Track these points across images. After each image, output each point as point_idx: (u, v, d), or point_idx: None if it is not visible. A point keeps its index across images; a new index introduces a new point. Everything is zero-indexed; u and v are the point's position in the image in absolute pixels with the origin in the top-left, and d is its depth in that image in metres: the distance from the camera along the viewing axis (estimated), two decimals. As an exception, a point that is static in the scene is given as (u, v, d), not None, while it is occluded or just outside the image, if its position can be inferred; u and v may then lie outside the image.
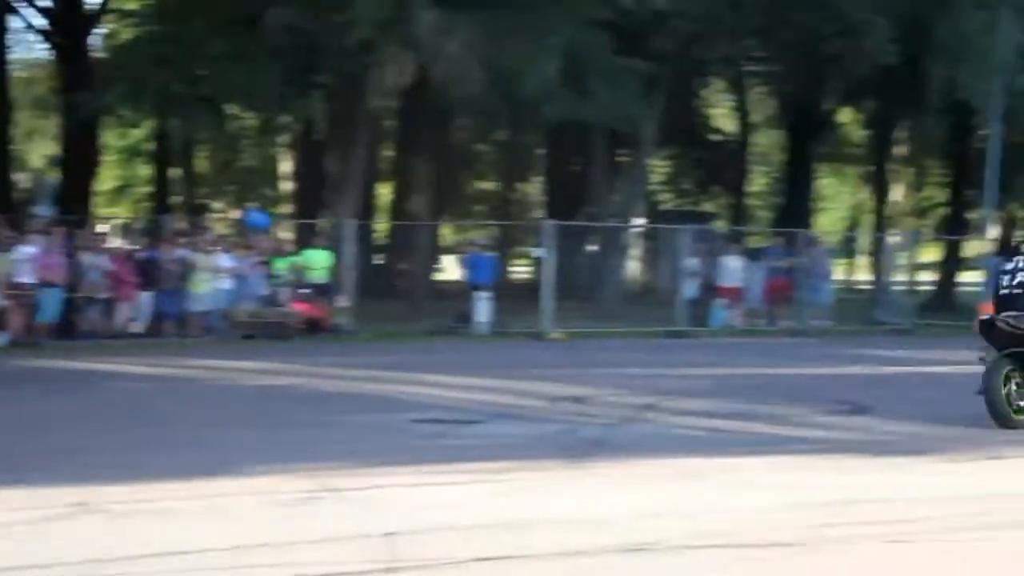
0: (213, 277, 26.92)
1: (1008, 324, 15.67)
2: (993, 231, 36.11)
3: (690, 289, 31.83)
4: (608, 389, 18.46)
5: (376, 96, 31.85)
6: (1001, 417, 15.39)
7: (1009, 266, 16.30)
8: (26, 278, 24.88)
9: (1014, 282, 15.95)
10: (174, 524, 9.28)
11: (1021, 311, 15.77)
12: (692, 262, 32.36)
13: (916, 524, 9.47)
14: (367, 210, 38.78)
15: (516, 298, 31.06)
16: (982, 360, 15.87)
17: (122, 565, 8.12)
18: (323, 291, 28.28)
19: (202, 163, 53.73)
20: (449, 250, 48.40)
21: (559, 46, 31.13)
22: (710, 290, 32.54)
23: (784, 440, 13.95)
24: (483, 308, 29.31)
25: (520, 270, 48.17)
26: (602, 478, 11.34)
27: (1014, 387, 15.55)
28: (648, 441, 13.69)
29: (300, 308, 27.57)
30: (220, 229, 34.58)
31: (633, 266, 42.60)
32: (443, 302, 32.94)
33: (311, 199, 39.04)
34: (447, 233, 51.80)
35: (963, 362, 20.88)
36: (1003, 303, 15.92)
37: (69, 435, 13.76)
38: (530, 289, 31.63)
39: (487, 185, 59.21)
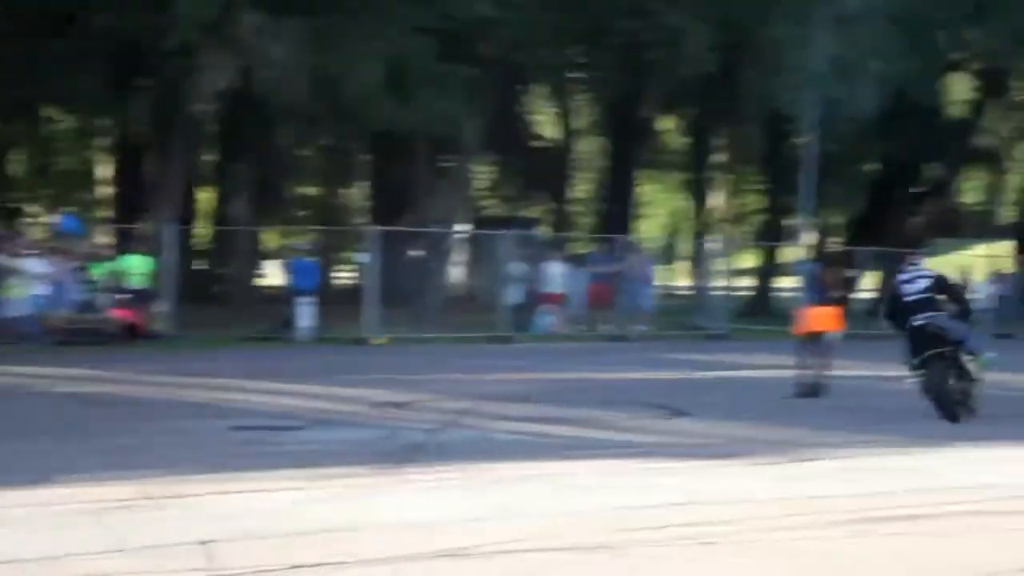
0: (27, 282, 26.40)
1: (936, 327, 17.13)
2: (808, 238, 36.86)
3: (513, 295, 32.02)
4: (429, 394, 18.51)
5: (198, 100, 31.49)
6: (952, 414, 16.72)
7: (905, 276, 17.79)
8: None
9: (918, 288, 17.47)
10: None
11: (931, 314, 17.22)
12: (515, 268, 32.54)
13: (728, 526, 9.64)
14: (188, 215, 38.33)
15: (340, 304, 30.92)
16: (911, 365, 17.15)
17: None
18: (142, 297, 27.90)
19: (17, 166, 52.59)
20: (272, 255, 48.03)
21: (383, 52, 31.08)
22: (533, 296, 32.75)
23: (603, 444, 14.10)
24: (306, 313, 29.17)
25: (344, 276, 47.97)
26: (421, 483, 11.37)
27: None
28: (468, 446, 13.75)
29: (118, 314, 27.17)
30: (35, 234, 33.88)
31: (457, 272, 42.72)
32: (266, 308, 32.70)
33: (131, 204, 38.49)
34: (270, 238, 51.40)
35: (779, 366, 21.41)
36: (912, 309, 17.29)
37: None
38: (354, 295, 31.51)
39: (310, 190, 58.83)
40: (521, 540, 9.07)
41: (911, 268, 18.03)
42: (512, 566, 8.44)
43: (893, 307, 17.85)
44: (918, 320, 17.22)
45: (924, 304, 17.39)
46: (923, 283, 17.58)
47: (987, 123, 52.05)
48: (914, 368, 17.20)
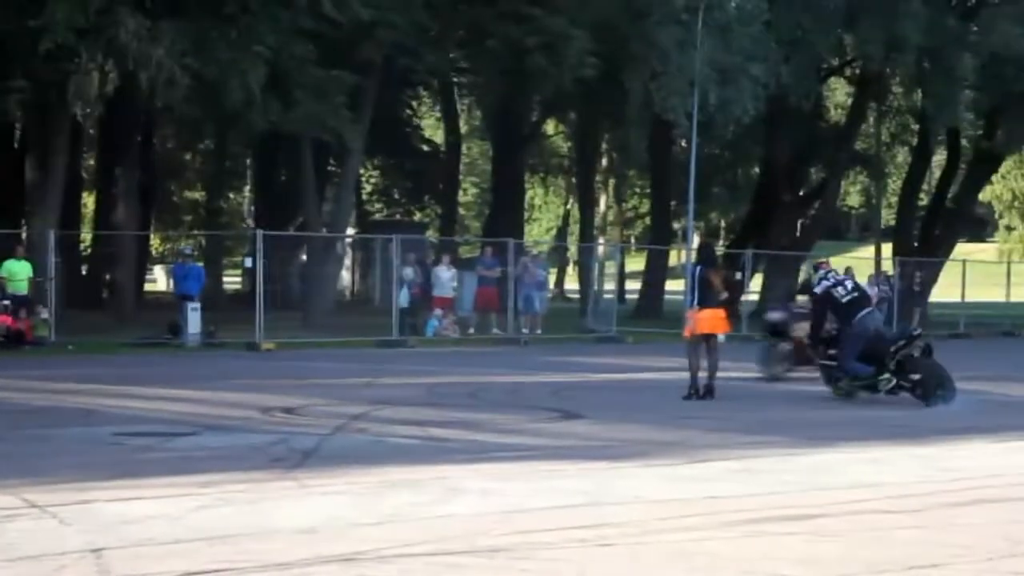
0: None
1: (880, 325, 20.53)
2: (695, 240, 37.16)
3: (403, 298, 31.94)
4: (320, 399, 18.41)
5: (76, 103, 31.08)
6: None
7: (831, 281, 19.78)
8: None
9: (850, 288, 19.64)
10: None
11: (869, 312, 19.64)
12: (406, 271, 32.47)
13: (620, 528, 9.66)
14: (72, 219, 37.83)
15: (229, 309, 30.71)
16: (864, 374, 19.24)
17: None
18: (24, 303, 27.46)
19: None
20: (159, 260, 47.59)
21: (263, 55, 30.89)
22: (424, 299, 32.70)
23: (495, 447, 14.09)
24: (192, 319, 28.89)
25: (233, 281, 47.65)
26: (312, 488, 11.27)
27: None
28: (360, 450, 13.67)
29: (1, 320, 26.73)
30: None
31: (346, 276, 42.59)
32: (153, 313, 32.36)
33: (11, 208, 37.91)
34: (157, 243, 50.91)
35: (670, 368, 21.56)
36: (849, 309, 19.32)
37: None
38: (243, 299, 31.28)
39: (196, 195, 58.38)
40: (415, 544, 9.03)
41: (831, 273, 20.16)
42: (407, 569, 8.39)
43: (823, 309, 19.13)
44: (863, 318, 19.25)
45: (858, 304, 19.33)
46: (850, 284, 19.80)
47: (866, 127, 52.84)
48: (873, 376, 19.05)
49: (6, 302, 27.09)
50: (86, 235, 44.59)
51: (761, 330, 23.89)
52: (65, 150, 34.12)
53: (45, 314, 27.92)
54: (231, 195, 57.55)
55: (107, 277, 39.80)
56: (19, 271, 27.85)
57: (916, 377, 18.94)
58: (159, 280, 43.09)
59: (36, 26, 28.52)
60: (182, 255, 32.01)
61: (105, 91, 30.65)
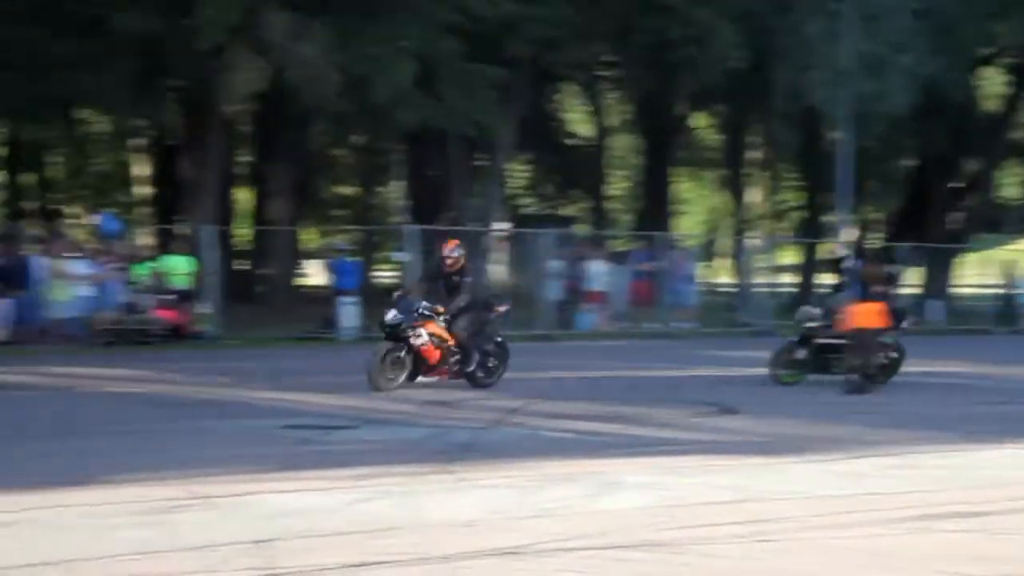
0: (71, 284, 26.49)
1: None
2: (848, 234, 36.71)
3: (554, 293, 31.97)
4: (474, 393, 18.49)
5: (228, 100, 31.58)
6: None
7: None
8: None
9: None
10: (41, 534, 9.15)
11: None
12: (556, 266, 32.49)
13: (779, 523, 9.60)
14: (226, 215, 38.43)
15: (381, 303, 30.91)
16: None
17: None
18: (185, 297, 27.95)
19: (56, 168, 52.86)
20: (311, 255, 48.11)
21: (411, 52, 31.13)
22: (574, 294, 32.70)
23: (652, 441, 14.05)
24: (348, 313, 29.17)
25: (383, 275, 48.04)
26: (471, 482, 11.34)
27: None
28: (516, 444, 13.72)
29: (162, 314, 27.22)
30: (76, 235, 34.01)
31: (496, 270, 42.71)
32: (306, 307, 32.73)
33: (169, 204, 38.62)
34: (309, 238, 51.50)
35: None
36: None
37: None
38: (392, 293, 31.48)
39: (347, 190, 58.93)
40: (574, 538, 9.06)
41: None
42: (566, 564, 8.42)
43: None
44: None
45: None
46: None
47: (1022, 117, 51.77)
48: None
49: (168, 296, 27.58)
50: (240, 230, 45.25)
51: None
52: (219, 147, 34.67)
53: (206, 308, 28.37)
54: (381, 190, 58.02)
55: (261, 272, 40.35)
56: (180, 266, 28.34)
57: None
58: (312, 275, 43.54)
59: (188, 26, 29.02)
60: (338, 250, 32.31)
61: (256, 89, 31.09)
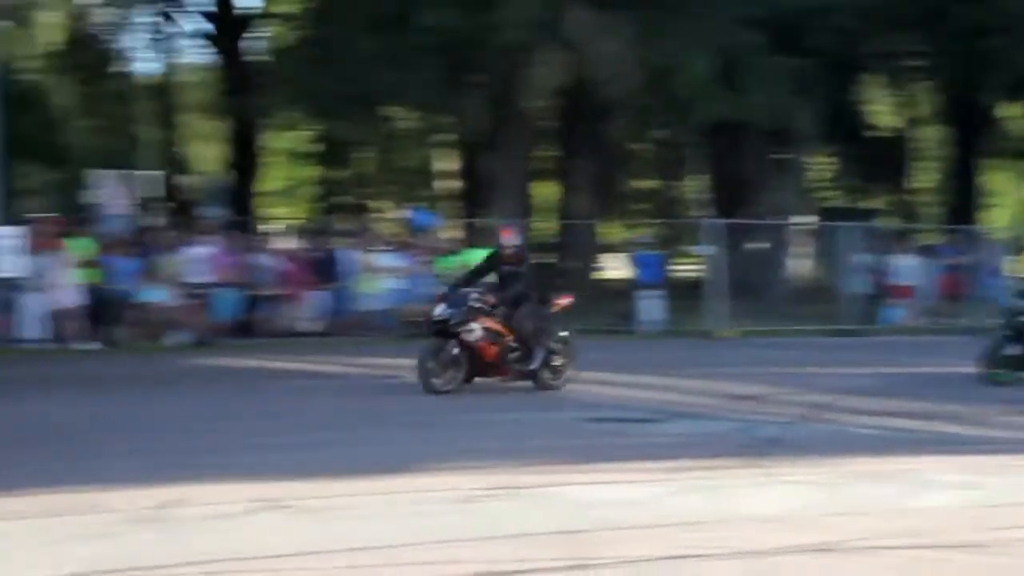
0: (380, 276, 27.15)
1: None
2: None
3: (859, 287, 31.42)
4: (782, 387, 18.25)
5: (530, 96, 31.91)
6: None
7: None
8: (198, 278, 25.40)
9: None
10: (354, 520, 9.41)
11: None
12: (862, 260, 31.90)
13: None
14: (527, 210, 38.88)
15: (680, 297, 30.81)
16: None
17: (304, 560, 8.26)
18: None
19: (365, 164, 54.30)
20: (612, 248, 48.26)
21: (712, 44, 30.95)
22: (880, 288, 32.06)
23: (962, 439, 13.71)
24: (651, 307, 29.16)
25: (682, 269, 47.93)
26: (779, 477, 11.23)
27: None
28: (824, 439, 13.55)
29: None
30: (385, 229, 34.88)
31: (799, 264, 42.20)
32: (606, 301, 32.85)
33: (473, 199, 39.25)
34: (610, 232, 51.69)
35: None
36: None
37: (242, 432, 13.99)
38: (694, 288, 31.36)
39: (647, 183, 59.00)
40: (885, 536, 8.90)
41: None
42: (878, 562, 8.28)
43: None
44: None
45: None
46: None
47: None
48: None
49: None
50: (541, 225, 45.69)
51: None
52: (522, 141, 35.07)
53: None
54: (682, 183, 57.92)
55: (563, 266, 40.68)
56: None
57: None
58: (612, 268, 43.69)
59: (492, 22, 29.42)
60: (640, 244, 32.34)
61: (558, 84, 31.35)
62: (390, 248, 28.10)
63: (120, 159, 39.95)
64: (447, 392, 17.14)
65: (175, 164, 42.53)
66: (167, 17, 41.17)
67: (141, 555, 8.31)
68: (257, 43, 42.65)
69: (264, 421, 15.05)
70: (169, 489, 10.27)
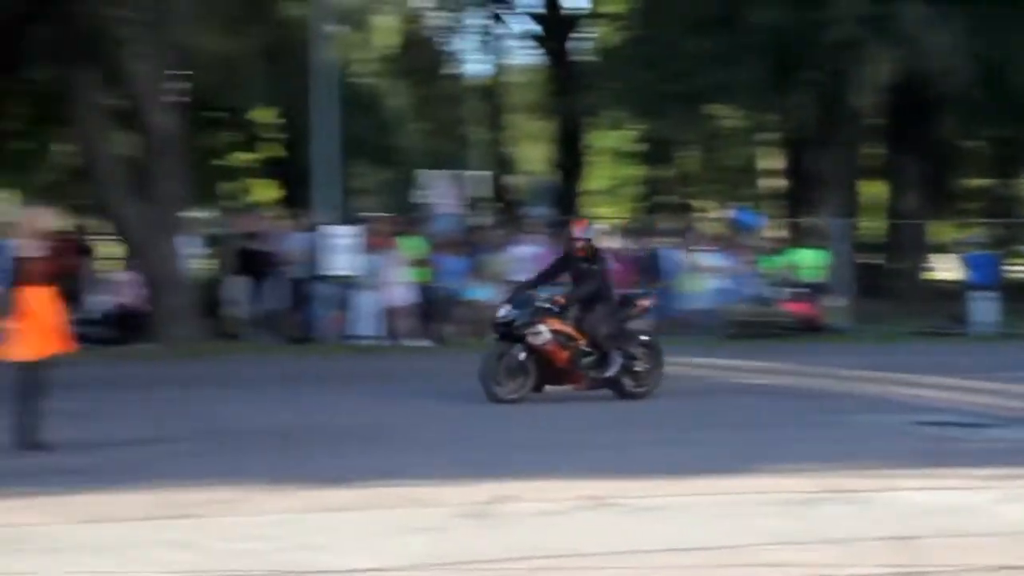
0: (704, 276, 27.08)
1: None
2: None
3: None
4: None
5: (860, 92, 31.35)
6: None
7: None
8: (525, 277, 25.72)
9: None
10: (679, 521, 9.43)
11: None
12: None
13: None
14: (853, 208, 38.23)
15: (1016, 299, 29.80)
16: None
17: (626, 559, 8.32)
18: (816, 290, 27.96)
19: (689, 163, 54.23)
20: (942, 248, 47.01)
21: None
22: None
23: None
24: (984, 308, 28.29)
25: (1018, 269, 46.41)
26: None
27: None
28: None
29: (792, 308, 27.35)
30: (709, 228, 34.78)
31: None
32: (936, 302, 32.04)
33: (798, 198, 38.79)
34: (939, 231, 50.41)
35: None
36: None
37: (575, 431, 14.14)
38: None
39: (979, 182, 57.32)
40: None
41: None
42: None
43: None
44: None
45: None
46: None
47: None
48: None
49: (799, 289, 27.69)
50: (868, 223, 44.89)
51: None
52: (848, 140, 34.51)
53: (839, 302, 28.31)
54: (1017, 181, 56.10)
55: (890, 266, 39.88)
56: (810, 259, 28.39)
57: None
58: (941, 269, 42.58)
59: (819, 19, 29.05)
60: (973, 244, 31.44)
61: (888, 80, 30.74)
62: (714, 247, 27.99)
63: (450, 159, 40.91)
64: (512, 401, 16.00)
65: (503, 164, 43.24)
66: (497, 19, 41.92)
67: (470, 549, 8.50)
68: (584, 43, 43.04)
69: (591, 419, 15.17)
70: (497, 485, 10.46)
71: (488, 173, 39.30)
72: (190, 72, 28.15)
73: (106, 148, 25.26)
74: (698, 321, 26.87)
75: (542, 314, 16.24)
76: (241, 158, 43.81)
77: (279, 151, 41.94)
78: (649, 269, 27.14)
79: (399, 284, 24.73)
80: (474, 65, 47.56)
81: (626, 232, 31.07)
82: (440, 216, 28.32)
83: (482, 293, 25.19)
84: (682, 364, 21.29)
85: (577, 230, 17.05)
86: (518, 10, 42.39)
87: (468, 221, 28.79)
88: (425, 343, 24.61)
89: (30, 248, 12.77)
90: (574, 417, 15.37)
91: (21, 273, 12.61)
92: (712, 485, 10.63)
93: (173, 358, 22.22)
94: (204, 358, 22.29)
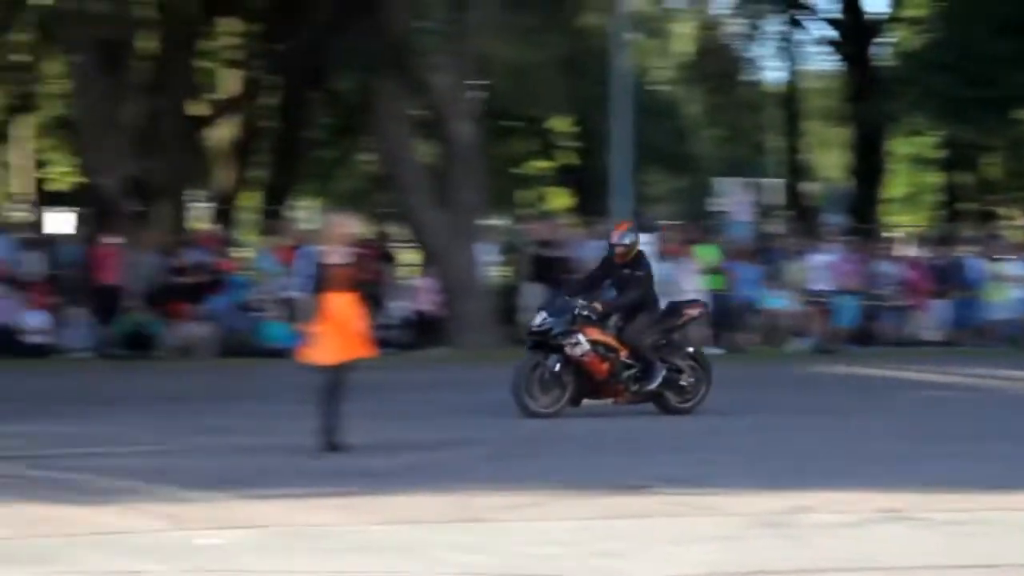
0: (1009, 286, 26.31)
1: None
2: None
3: None
4: None
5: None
6: None
7: None
8: (820, 285, 25.45)
9: None
10: (978, 536, 9.22)
11: None
12: None
13: None
14: None
15: None
16: None
17: (922, 574, 8.15)
18: None
19: (991, 169, 52.73)
20: None
21: None
22: None
23: None
24: None
25: None
26: None
27: None
28: None
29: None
30: (1014, 236, 33.74)
31: None
32: None
33: None
34: None
35: None
36: None
37: (871, 442, 13.89)
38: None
39: None
40: None
41: None
42: None
43: None
44: None
45: None
46: None
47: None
48: None
49: None
50: None
51: None
52: None
53: None
54: None
55: None
56: None
57: None
58: None
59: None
60: None
61: None
62: (1019, 256, 27.14)
63: (745, 166, 40.67)
64: (547, 416, 15.06)
65: (798, 171, 42.73)
66: (794, 25, 41.45)
67: (766, 559, 8.44)
68: (882, 48, 42.24)
69: (887, 430, 14.88)
70: (792, 495, 10.37)
71: (783, 180, 38.97)
72: (489, 81, 28.67)
73: (408, 156, 25.82)
74: (1001, 331, 26.14)
75: (581, 323, 15.25)
76: (537, 166, 44.38)
77: (573, 159, 42.32)
78: (948, 278, 26.53)
79: (692, 291, 24.64)
80: (771, 71, 47.21)
81: (923, 240, 30.40)
82: (734, 223, 28.19)
83: (777, 301, 24.96)
84: (983, 376, 20.79)
85: (617, 235, 15.97)
86: (816, 16, 41.84)
87: (762, 228, 28.59)
88: (716, 351, 24.48)
89: (334, 255, 13.13)
90: (872, 428, 15.09)
91: (325, 279, 12.97)
92: (1013, 501, 10.32)
93: (468, 363, 22.55)
94: (498, 363, 22.58)
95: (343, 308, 12.96)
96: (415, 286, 25.98)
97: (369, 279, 23.11)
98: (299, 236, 24.49)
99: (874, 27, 41.40)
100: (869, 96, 37.53)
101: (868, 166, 40.69)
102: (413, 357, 23.07)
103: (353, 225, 14.03)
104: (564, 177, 43.10)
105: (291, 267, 22.35)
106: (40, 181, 44.48)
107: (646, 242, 24.88)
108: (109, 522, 9.50)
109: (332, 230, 13.53)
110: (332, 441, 12.71)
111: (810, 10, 41.55)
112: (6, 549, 8.59)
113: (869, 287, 26.03)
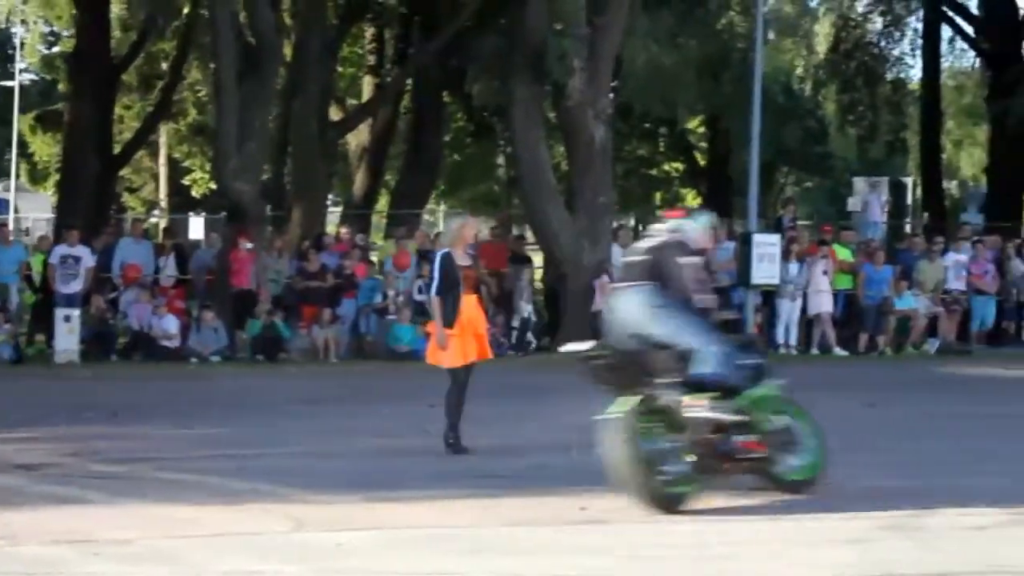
0: None
1: None
2: None
3: None
4: None
5: None
6: None
7: None
8: (955, 285, 25.11)
9: None
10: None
11: None
12: None
13: None
14: None
15: None
16: None
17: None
18: None
19: None
20: None
21: None
22: None
23: None
24: None
25: None
26: None
27: None
28: None
29: None
30: None
31: None
32: None
33: None
34: None
35: None
36: None
37: (1002, 443, 13.66)
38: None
39: None
40: None
41: None
42: None
43: None
44: None
45: None
46: None
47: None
48: None
49: None
50: None
51: None
52: None
53: None
54: None
55: None
56: None
57: None
58: None
59: None
60: None
61: None
62: None
63: (881, 166, 40.17)
64: None
65: (936, 170, 42.12)
66: (933, 22, 40.83)
67: (895, 562, 8.37)
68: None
69: (1004, 434, 14.56)
70: (921, 496, 10.28)
71: (917, 179, 38.43)
72: (624, 83, 28.61)
73: (542, 159, 25.79)
74: None
75: None
76: (670, 167, 44.25)
77: (704, 160, 42.15)
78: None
79: (824, 292, 24.42)
80: (908, 69, 46.48)
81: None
82: (868, 223, 27.89)
83: (910, 302, 24.65)
84: None
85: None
86: (956, 13, 41.20)
87: (896, 228, 28.25)
88: (843, 352, 24.23)
89: (461, 257, 13.22)
90: (989, 428, 14.81)
91: (453, 281, 13.05)
92: None
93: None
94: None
95: (469, 310, 13.04)
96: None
97: (497, 282, 23.25)
98: (429, 239, 24.63)
99: (1017, 25, 40.66)
100: (1008, 94, 36.87)
101: (1007, 164, 39.97)
102: (538, 360, 22.93)
103: (481, 227, 14.06)
104: (694, 178, 42.97)
105: (421, 270, 22.46)
106: (177, 187, 45.35)
107: (776, 242, 24.82)
108: (233, 523, 9.67)
109: (458, 233, 13.62)
110: (457, 443, 12.79)
111: (950, 8, 40.94)
112: (132, 550, 8.78)
113: (1004, 287, 25.64)
